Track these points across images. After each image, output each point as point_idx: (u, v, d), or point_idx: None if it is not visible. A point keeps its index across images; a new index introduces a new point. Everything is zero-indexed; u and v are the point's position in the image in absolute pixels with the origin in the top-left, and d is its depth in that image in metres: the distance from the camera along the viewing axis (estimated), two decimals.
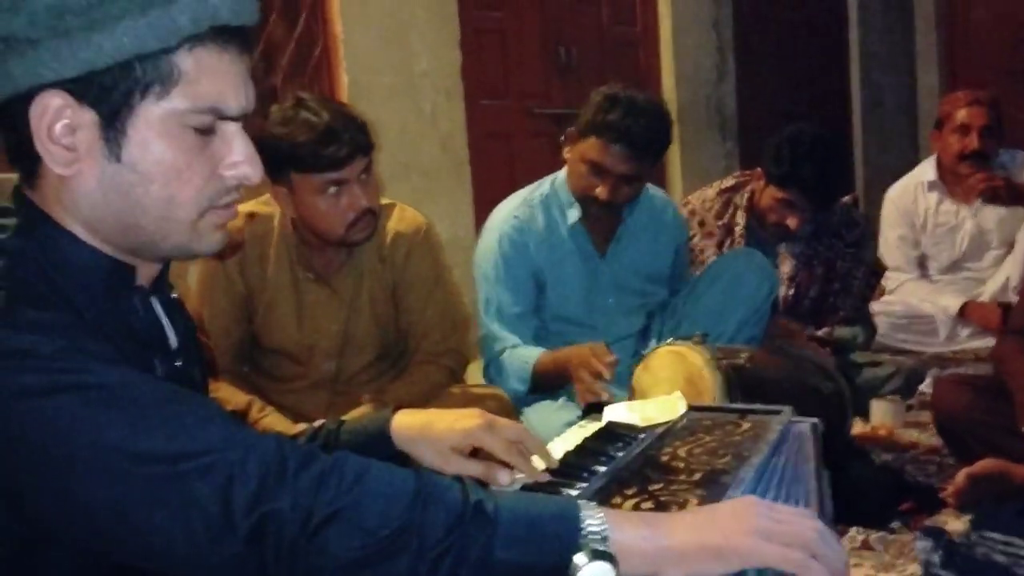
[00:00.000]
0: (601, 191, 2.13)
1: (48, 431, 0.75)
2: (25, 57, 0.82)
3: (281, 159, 1.78)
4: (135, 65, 0.83)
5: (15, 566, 0.80)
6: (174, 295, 1.01)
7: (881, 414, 2.52)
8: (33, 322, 0.78)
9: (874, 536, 1.80)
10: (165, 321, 0.97)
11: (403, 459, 1.13)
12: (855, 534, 1.81)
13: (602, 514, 0.83)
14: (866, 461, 2.10)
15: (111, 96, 0.84)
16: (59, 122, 0.84)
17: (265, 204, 1.96)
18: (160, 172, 0.86)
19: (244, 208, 1.97)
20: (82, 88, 0.83)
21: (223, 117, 0.88)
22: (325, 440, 1.15)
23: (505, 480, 1.08)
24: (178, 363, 0.97)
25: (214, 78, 0.86)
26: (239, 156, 0.90)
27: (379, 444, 1.12)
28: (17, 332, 0.76)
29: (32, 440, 0.75)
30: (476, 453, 1.12)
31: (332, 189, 1.79)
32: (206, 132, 0.88)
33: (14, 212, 0.89)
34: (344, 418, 1.21)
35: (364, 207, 1.82)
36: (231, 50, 0.88)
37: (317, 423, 1.19)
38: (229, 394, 1.86)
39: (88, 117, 0.84)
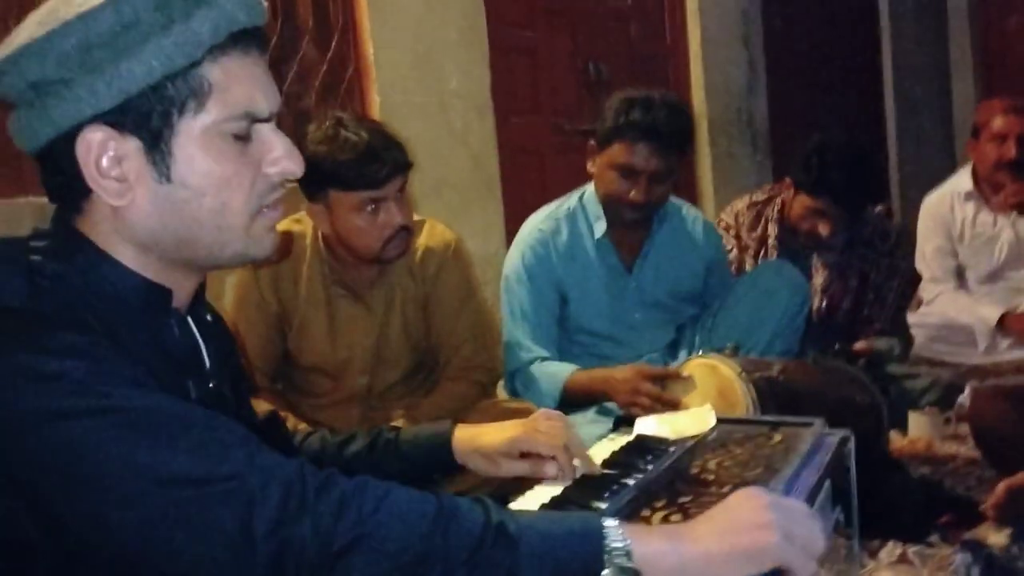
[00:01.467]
0: (635, 194, 2.14)
1: (77, 453, 0.77)
2: (61, 98, 0.84)
3: (321, 177, 1.81)
4: (167, 85, 0.85)
5: None
6: (209, 317, 1.03)
7: (919, 426, 2.48)
8: (67, 346, 0.79)
9: (912, 550, 1.77)
10: (200, 343, 0.99)
11: (458, 470, 1.20)
12: (892, 547, 1.78)
13: (623, 530, 0.83)
14: (903, 474, 2.07)
15: (150, 120, 0.86)
16: (105, 155, 0.86)
17: (297, 222, 1.99)
18: (210, 184, 0.88)
19: (279, 226, 2.00)
20: (121, 118, 0.85)
21: (257, 119, 0.90)
22: (385, 448, 1.19)
23: (552, 471, 1.15)
24: (211, 384, 0.98)
25: (242, 83, 0.89)
26: (279, 152, 0.92)
27: (440, 456, 1.19)
28: (51, 356, 0.78)
29: (63, 462, 0.77)
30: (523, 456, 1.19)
31: (370, 207, 1.82)
32: (244, 138, 0.90)
33: (50, 236, 0.91)
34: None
35: (400, 224, 1.85)
36: (252, 52, 0.90)
37: (376, 429, 1.23)
38: (266, 409, 1.88)
39: (132, 145, 0.86)
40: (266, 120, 0.92)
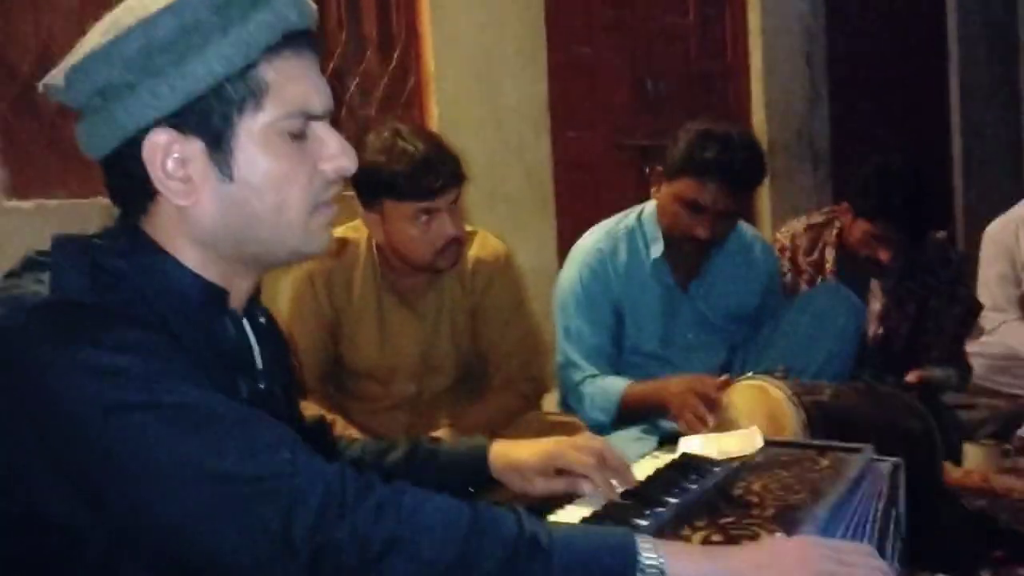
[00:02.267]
0: (701, 231, 2.10)
1: (131, 446, 0.79)
2: (126, 102, 0.87)
3: (376, 186, 1.84)
4: (226, 86, 0.88)
5: (96, 572, 0.84)
6: (263, 319, 1.05)
7: (975, 458, 2.42)
8: (127, 342, 0.82)
9: None
10: (253, 343, 1.01)
11: (494, 485, 1.20)
12: None
13: (659, 547, 0.83)
14: (956, 506, 2.02)
15: (211, 121, 0.88)
16: (170, 157, 0.89)
17: (354, 230, 2.03)
18: (270, 182, 0.91)
19: (335, 233, 2.04)
20: (183, 120, 0.88)
21: (312, 118, 0.93)
22: (424, 459, 1.20)
23: (588, 489, 1.13)
24: (261, 385, 1.00)
25: (297, 82, 0.91)
26: (334, 149, 0.94)
27: (477, 470, 1.19)
28: (111, 351, 0.81)
29: (116, 453, 0.79)
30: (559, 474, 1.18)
31: (423, 217, 1.84)
32: (300, 136, 0.92)
33: (115, 235, 0.94)
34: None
35: (452, 235, 1.87)
36: (305, 53, 0.92)
37: (413, 439, 1.25)
38: (314, 413, 1.91)
39: (195, 146, 0.89)
40: (320, 118, 0.94)
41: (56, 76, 0.90)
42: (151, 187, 0.90)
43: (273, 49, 0.89)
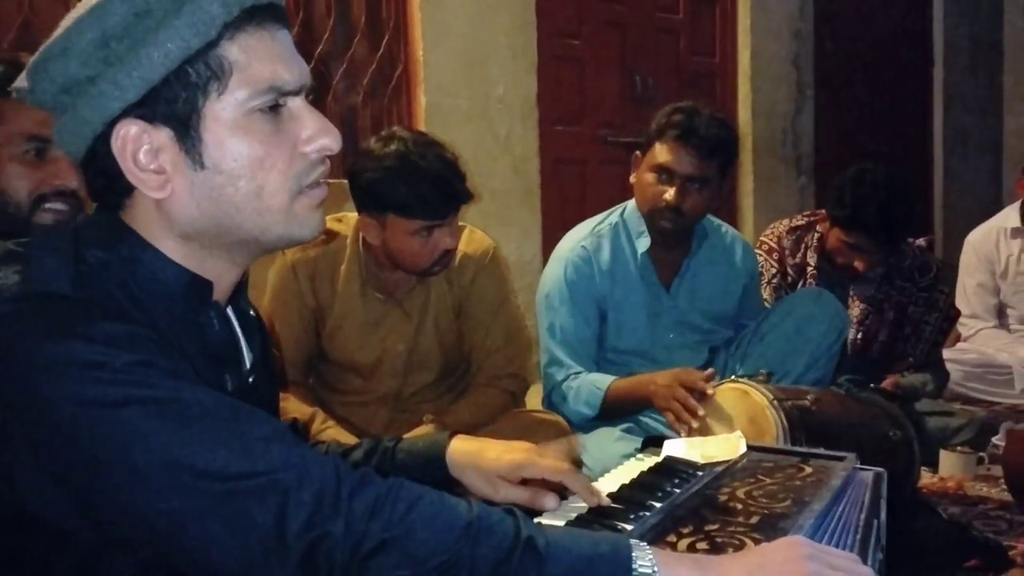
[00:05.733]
0: (669, 195, 2.13)
1: (114, 442, 0.77)
2: (90, 96, 0.84)
3: (382, 200, 1.81)
4: (188, 70, 0.85)
5: (85, 569, 0.83)
6: (251, 312, 1.03)
7: (951, 466, 2.44)
8: (111, 335, 0.79)
9: None
10: (241, 337, 0.99)
11: (454, 485, 1.15)
12: None
13: (652, 554, 0.82)
14: (932, 514, 2.03)
15: (177, 107, 0.85)
16: (141, 149, 0.86)
17: (337, 221, 2.01)
18: (243, 166, 0.87)
19: None
20: (150, 109, 0.85)
21: (284, 93, 0.89)
22: (382, 457, 1.16)
23: (552, 505, 1.09)
24: (250, 379, 0.99)
25: (262, 58, 0.87)
26: (313, 129, 0.90)
27: (434, 468, 1.14)
28: (92, 343, 0.78)
29: (99, 449, 0.77)
30: (525, 482, 1.13)
31: (425, 232, 1.83)
32: (275, 114, 0.88)
33: (96, 226, 0.91)
34: (404, 436, 1.22)
35: (448, 247, 1.86)
36: (269, 27, 0.88)
37: (377, 438, 1.21)
38: (295, 405, 1.90)
39: (164, 135, 0.86)
40: (295, 94, 0.90)
41: (22, 78, 0.88)
42: (126, 182, 0.88)
43: (234, 26, 0.85)
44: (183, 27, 0.83)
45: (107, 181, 0.89)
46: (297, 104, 0.90)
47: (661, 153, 2.14)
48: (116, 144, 0.86)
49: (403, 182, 1.78)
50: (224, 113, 0.86)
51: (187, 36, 0.83)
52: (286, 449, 0.81)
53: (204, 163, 0.87)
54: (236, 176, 0.87)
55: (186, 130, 0.86)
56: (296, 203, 0.91)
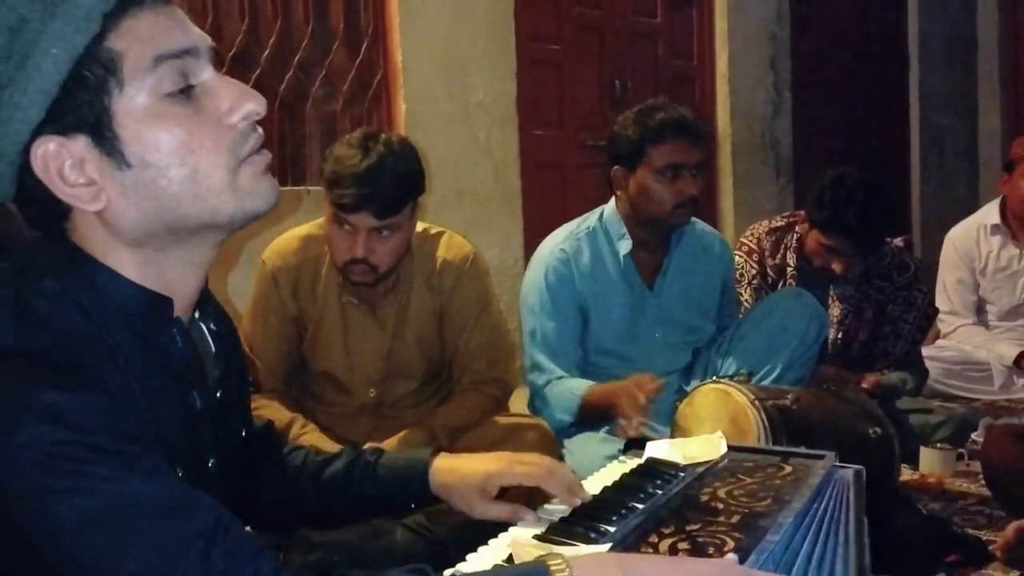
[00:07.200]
0: (687, 187, 2.18)
1: (43, 532, 0.75)
2: None
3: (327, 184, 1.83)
4: (82, 72, 0.81)
5: None
6: (213, 326, 0.99)
7: (930, 462, 2.47)
8: (44, 407, 0.75)
9: None
10: (209, 348, 0.97)
11: (436, 502, 1.15)
12: None
13: (566, 566, 0.80)
14: (912, 510, 2.06)
15: (84, 112, 0.82)
16: (64, 164, 0.83)
17: (319, 227, 2.00)
18: (169, 154, 0.84)
19: (300, 231, 2.01)
20: (59, 122, 0.82)
21: (177, 56, 0.84)
22: (363, 471, 1.15)
23: (530, 520, 1.08)
24: (218, 393, 0.96)
25: (147, 37, 0.83)
26: (232, 99, 0.87)
27: (416, 487, 1.14)
28: (24, 421, 0.75)
29: (31, 536, 0.76)
30: (503, 495, 1.13)
31: (343, 224, 1.82)
32: (187, 96, 0.85)
33: (46, 252, 0.87)
34: (383, 446, 1.22)
35: (356, 256, 1.82)
36: (150, 5, 0.85)
37: (360, 448, 1.21)
38: (275, 411, 1.89)
39: (82, 144, 0.83)
40: (186, 55, 0.85)
41: None
42: (61, 204, 0.84)
43: (114, 16, 0.82)
44: (63, 28, 0.80)
45: (42, 208, 0.85)
46: (208, 78, 0.87)
47: (664, 155, 2.17)
48: (38, 166, 0.82)
49: (336, 161, 1.80)
50: (133, 106, 0.83)
51: (69, 35, 0.80)
52: (207, 552, 0.77)
53: (129, 161, 0.84)
54: (165, 166, 0.84)
55: (101, 133, 0.83)
56: (239, 176, 0.87)
